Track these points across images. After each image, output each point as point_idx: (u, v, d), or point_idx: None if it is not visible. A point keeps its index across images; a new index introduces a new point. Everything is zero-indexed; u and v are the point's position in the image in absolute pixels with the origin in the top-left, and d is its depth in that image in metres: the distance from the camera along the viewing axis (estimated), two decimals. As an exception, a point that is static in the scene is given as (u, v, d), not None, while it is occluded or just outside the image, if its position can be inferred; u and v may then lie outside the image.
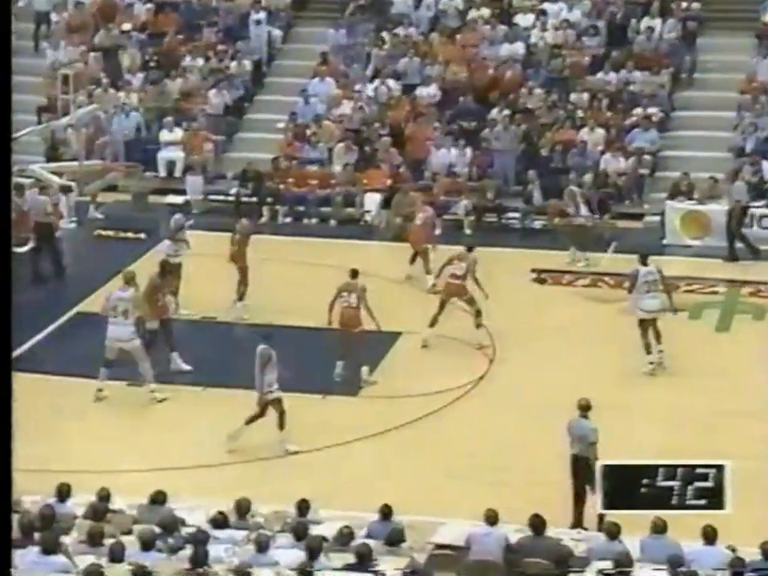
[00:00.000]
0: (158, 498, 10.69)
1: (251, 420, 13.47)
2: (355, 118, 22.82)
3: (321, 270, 17.35)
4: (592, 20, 23.82)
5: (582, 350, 16.02)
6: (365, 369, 15.16)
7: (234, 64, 23.95)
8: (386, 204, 21.05)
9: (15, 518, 10.02)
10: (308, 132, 22.63)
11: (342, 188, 21.71)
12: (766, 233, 19.96)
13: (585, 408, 12.09)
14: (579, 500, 11.74)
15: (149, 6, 25.13)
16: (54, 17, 24.97)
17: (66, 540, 9.84)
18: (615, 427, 12.70)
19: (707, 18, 23.71)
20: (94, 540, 9.79)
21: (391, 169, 21.77)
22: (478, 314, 16.16)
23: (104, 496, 10.61)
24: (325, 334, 15.30)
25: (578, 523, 11.61)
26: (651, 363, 15.44)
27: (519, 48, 23.53)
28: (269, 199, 21.66)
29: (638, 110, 22.29)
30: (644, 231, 20.51)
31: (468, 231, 20.68)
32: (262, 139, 23.03)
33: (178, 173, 22.53)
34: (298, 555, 9.73)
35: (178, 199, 21.51)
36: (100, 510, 10.38)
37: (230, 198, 21.78)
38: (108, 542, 9.77)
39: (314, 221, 21.55)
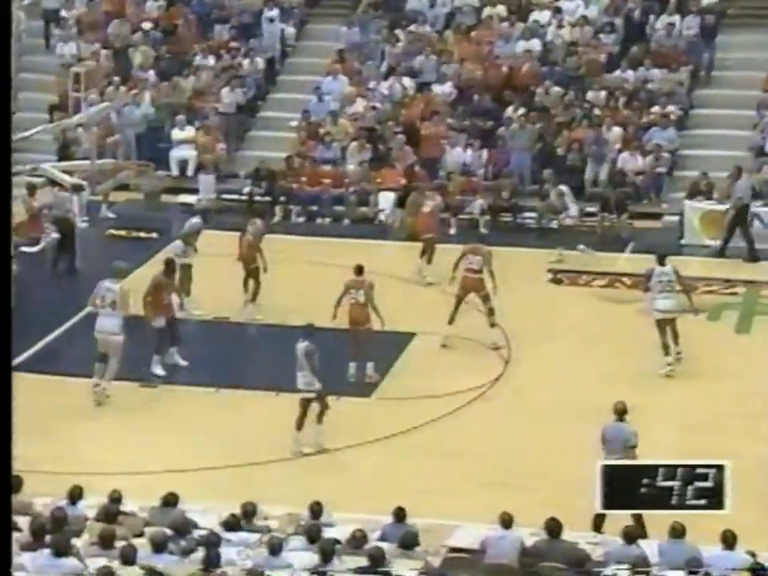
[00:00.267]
0: (170, 500, 10.62)
1: (300, 422, 13.35)
2: (369, 116, 22.71)
3: (334, 269, 17.22)
4: (609, 17, 23.66)
5: (599, 351, 15.90)
6: (370, 365, 15.05)
7: (246, 62, 23.87)
8: (399, 203, 20.94)
9: (26, 520, 9.98)
10: (321, 130, 22.53)
11: (356, 187, 21.61)
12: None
13: (621, 411, 11.94)
14: None
15: (161, 2, 25.04)
16: (64, 14, 24.88)
17: (77, 542, 9.78)
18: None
19: (727, 14, 23.53)
20: (105, 542, 9.74)
21: (405, 168, 21.65)
22: (491, 312, 16.04)
23: (116, 498, 10.55)
24: (338, 335, 15.18)
25: (597, 528, 11.40)
26: (669, 365, 15.30)
27: (535, 45, 23.39)
28: (282, 198, 21.57)
29: (656, 108, 22.13)
30: (662, 231, 20.36)
31: (483, 231, 20.56)
32: (275, 138, 22.95)
33: (190, 171, 22.46)
34: (311, 558, 9.68)
35: (190, 198, 21.46)
36: (112, 512, 10.32)
37: (243, 197, 21.70)
38: (119, 544, 9.71)
39: (327, 220, 21.46)
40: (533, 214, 20.87)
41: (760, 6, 23.50)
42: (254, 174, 21.86)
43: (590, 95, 22.56)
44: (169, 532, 9.92)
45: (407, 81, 23.20)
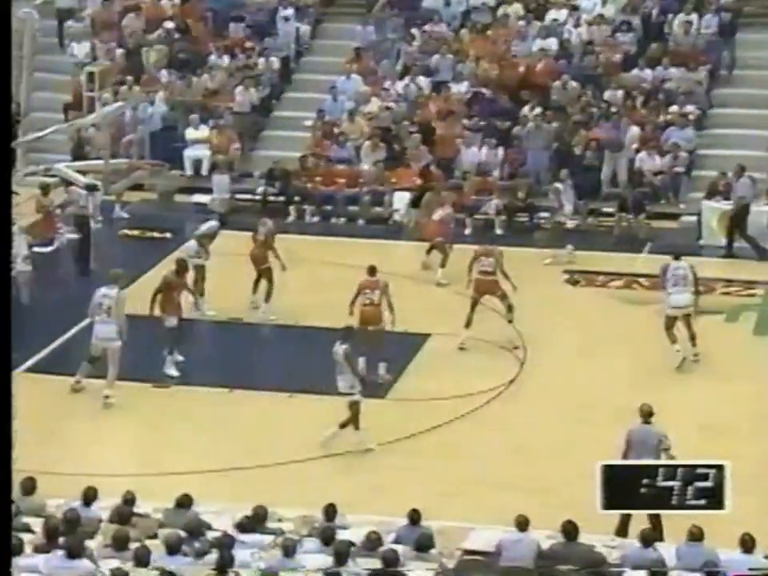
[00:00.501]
0: (184, 502, 10.59)
1: (346, 424, 13.34)
2: (384, 116, 22.63)
3: (348, 269, 17.14)
4: (626, 15, 23.52)
5: (616, 352, 15.79)
6: (382, 365, 14.97)
7: (261, 61, 23.81)
8: (414, 203, 20.85)
9: (40, 521, 9.94)
10: (336, 130, 22.46)
11: (371, 187, 21.53)
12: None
13: (648, 414, 11.82)
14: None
15: (176, 0, 25.00)
16: (77, 13, 24.88)
17: (90, 544, 9.75)
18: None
19: (746, 13, 23.36)
20: (119, 544, 9.71)
21: (421, 167, 21.56)
22: (510, 309, 15.97)
23: (129, 499, 10.50)
24: (355, 336, 15.07)
25: (622, 532, 11.23)
26: (678, 351, 15.20)
27: (552, 44, 23.27)
28: (296, 198, 21.51)
29: (674, 108, 21.98)
30: (680, 231, 20.19)
31: (499, 231, 20.45)
32: (290, 137, 22.89)
33: (204, 171, 22.41)
34: (325, 560, 9.64)
35: (204, 198, 21.42)
36: (125, 513, 10.28)
37: (257, 197, 21.65)
38: (133, 546, 9.67)
39: (341, 220, 21.38)
40: (549, 214, 20.76)
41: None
42: (268, 173, 21.80)
43: (607, 94, 22.42)
44: (182, 534, 9.88)
45: (423, 80, 23.12)
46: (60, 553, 9.35)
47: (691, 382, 15.12)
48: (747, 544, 9.83)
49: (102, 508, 10.52)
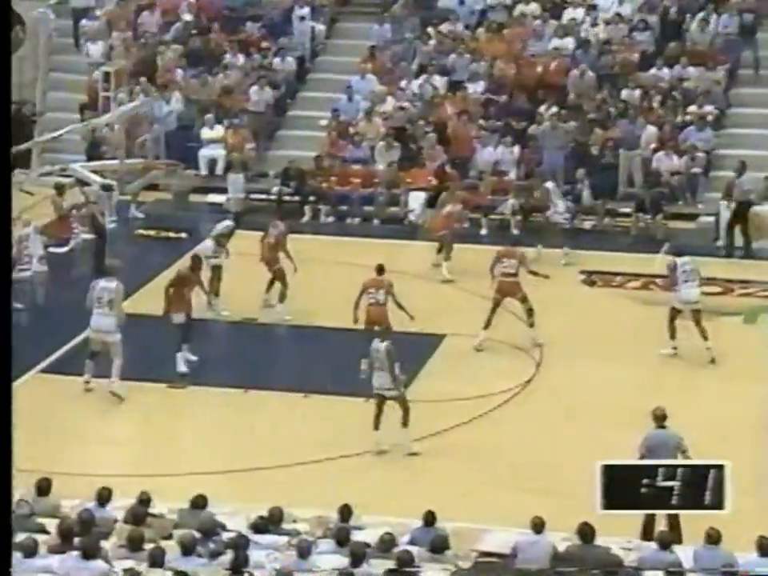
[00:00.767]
0: (199, 503, 10.56)
1: (377, 421, 13.28)
2: (400, 116, 22.57)
3: (363, 270, 17.09)
4: (644, 14, 23.42)
5: (633, 353, 15.69)
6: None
7: (277, 60, 23.79)
8: (430, 203, 20.79)
9: (54, 522, 9.93)
10: (351, 130, 22.42)
11: (386, 187, 21.48)
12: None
13: (662, 418, 11.75)
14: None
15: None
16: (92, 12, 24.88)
17: (105, 545, 9.74)
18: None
19: (765, 14, 23.22)
20: (133, 545, 9.69)
21: (436, 167, 21.50)
22: (530, 313, 15.87)
23: (144, 500, 10.47)
24: (368, 336, 15.03)
25: (648, 535, 11.14)
26: (675, 348, 15.17)
27: (568, 43, 23.19)
28: (311, 198, 21.47)
29: (693, 108, 21.86)
30: (697, 232, 20.08)
31: (515, 231, 20.36)
32: (305, 137, 22.85)
33: (219, 171, 22.40)
34: (340, 561, 9.62)
35: (219, 198, 21.40)
36: (140, 514, 10.26)
37: (272, 197, 21.62)
38: (148, 546, 9.66)
39: (356, 220, 21.34)
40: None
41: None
42: (283, 173, 21.77)
43: (624, 94, 22.32)
44: (197, 534, 9.87)
45: (438, 79, 23.06)
46: (75, 553, 9.35)
47: (708, 385, 15.02)
48: (765, 547, 9.74)
49: (117, 508, 10.50)
